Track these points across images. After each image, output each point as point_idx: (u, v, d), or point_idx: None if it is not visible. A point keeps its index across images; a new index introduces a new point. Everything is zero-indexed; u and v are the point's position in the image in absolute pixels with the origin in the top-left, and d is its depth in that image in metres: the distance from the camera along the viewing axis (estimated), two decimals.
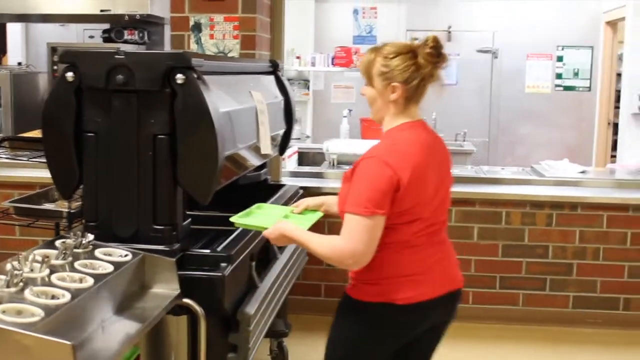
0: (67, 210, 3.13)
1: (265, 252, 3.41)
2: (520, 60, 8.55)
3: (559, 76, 8.56)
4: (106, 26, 7.54)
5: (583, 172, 5.38)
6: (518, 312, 4.97)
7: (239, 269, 2.79)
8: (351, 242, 2.40)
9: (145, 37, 7.72)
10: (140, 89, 2.53)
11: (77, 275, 2.16)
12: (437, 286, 2.62)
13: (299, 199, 4.14)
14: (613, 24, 8.35)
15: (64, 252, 2.28)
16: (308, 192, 4.58)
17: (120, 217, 2.61)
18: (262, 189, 3.97)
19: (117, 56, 2.52)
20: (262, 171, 4.08)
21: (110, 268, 2.29)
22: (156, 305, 2.41)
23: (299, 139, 7.71)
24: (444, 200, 2.64)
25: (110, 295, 2.24)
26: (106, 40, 7.51)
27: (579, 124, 8.65)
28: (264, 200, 3.62)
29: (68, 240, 2.38)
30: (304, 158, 6.42)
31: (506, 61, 8.62)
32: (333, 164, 5.67)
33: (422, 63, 2.48)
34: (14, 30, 8.38)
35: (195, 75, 2.54)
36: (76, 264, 2.25)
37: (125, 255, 2.44)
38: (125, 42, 7.43)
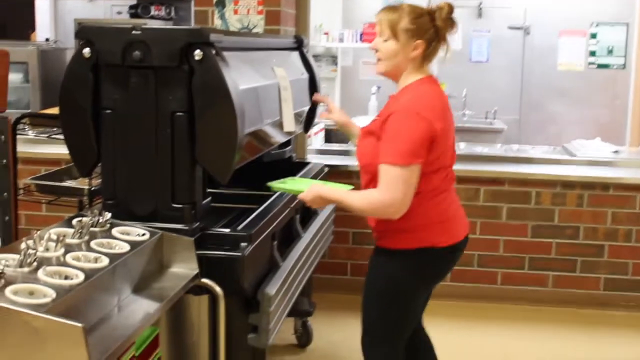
0: (87, 187, 3.10)
1: (289, 230, 3.36)
2: (553, 37, 8.35)
3: (592, 53, 8.36)
4: (133, 2, 7.52)
5: (616, 151, 5.26)
6: (547, 294, 4.88)
7: (260, 248, 2.75)
8: (389, 192, 2.54)
9: (172, 13, 7.69)
10: (158, 66, 2.48)
11: (92, 255, 2.12)
12: (462, 230, 2.85)
13: (324, 177, 4.10)
14: None
15: (80, 230, 2.25)
16: (335, 170, 4.53)
17: (138, 195, 2.58)
18: (286, 166, 3.92)
19: (133, 32, 2.47)
20: (287, 148, 4.02)
21: (126, 247, 2.26)
22: (174, 284, 2.38)
23: None
24: (453, 147, 2.83)
25: (126, 275, 2.20)
26: (133, 16, 7.50)
27: (612, 102, 8.46)
28: (288, 177, 3.58)
29: (85, 219, 2.34)
30: (331, 135, 6.34)
31: (538, 38, 8.43)
32: None
33: (440, 26, 2.69)
34: (42, 7, 8.39)
35: (214, 52, 2.48)
36: (92, 243, 2.22)
37: (143, 235, 2.40)
38: (152, 17, 7.40)
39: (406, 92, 2.71)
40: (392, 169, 2.54)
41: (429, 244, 2.71)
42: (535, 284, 4.87)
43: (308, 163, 4.18)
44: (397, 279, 2.76)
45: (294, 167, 3.97)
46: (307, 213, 3.72)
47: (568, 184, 4.75)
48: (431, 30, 2.68)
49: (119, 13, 8.22)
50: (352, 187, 2.98)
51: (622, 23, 8.29)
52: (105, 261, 2.10)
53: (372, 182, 2.67)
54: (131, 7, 7.53)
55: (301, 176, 3.77)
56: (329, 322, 4.50)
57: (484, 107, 7.71)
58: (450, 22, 2.72)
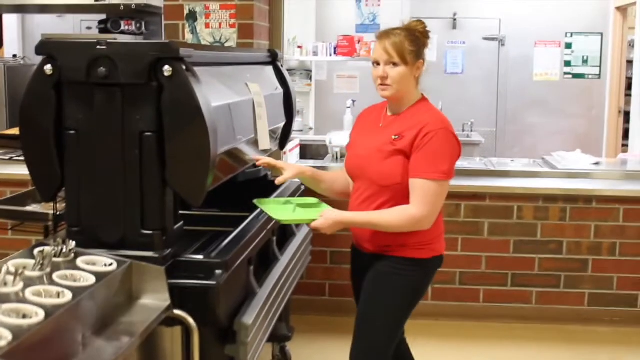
0: (52, 212, 2.94)
1: (266, 254, 3.21)
2: (528, 48, 8.29)
3: (567, 64, 8.31)
4: (103, 17, 7.34)
5: (597, 163, 5.16)
6: (531, 311, 4.77)
7: (236, 275, 2.59)
8: (427, 207, 2.70)
9: (143, 28, 7.51)
10: (125, 83, 2.32)
11: (54, 289, 1.96)
12: None
13: (301, 195, 3.95)
14: (623, 10, 8.11)
15: (41, 262, 2.08)
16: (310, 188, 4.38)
17: (105, 221, 2.41)
18: (261, 185, 3.76)
19: (98, 47, 2.32)
20: (261, 167, 3.86)
21: (92, 279, 2.09)
22: (145, 318, 2.21)
23: (301, 131, 7.48)
24: None
25: (92, 310, 2.04)
26: (102, 31, 7.30)
27: (588, 112, 8.42)
28: (263, 197, 3.43)
29: (47, 249, 2.18)
30: (306, 151, 6.21)
31: (513, 49, 8.38)
32: (336, 157, 5.46)
33: (424, 42, 2.84)
34: (10, 22, 8.18)
35: (184, 67, 2.33)
36: (55, 276, 2.05)
37: (110, 264, 2.24)
38: (122, 32, 7.21)
39: (421, 111, 2.84)
40: (433, 184, 2.69)
41: (438, 252, 2.91)
42: (519, 301, 4.76)
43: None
44: (419, 288, 2.91)
45: (269, 186, 3.82)
46: (283, 234, 3.58)
47: (550, 198, 4.65)
48: (423, 47, 2.84)
49: (89, 28, 8.03)
50: (325, 205, 2.97)
51: (597, 33, 8.26)
52: (68, 296, 1.93)
53: (392, 201, 2.77)
54: (100, 22, 7.34)
55: (277, 196, 3.62)
56: (307, 345, 4.35)
57: (461, 120, 7.62)
58: (428, 36, 2.87)
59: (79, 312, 1.96)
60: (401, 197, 2.76)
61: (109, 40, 2.32)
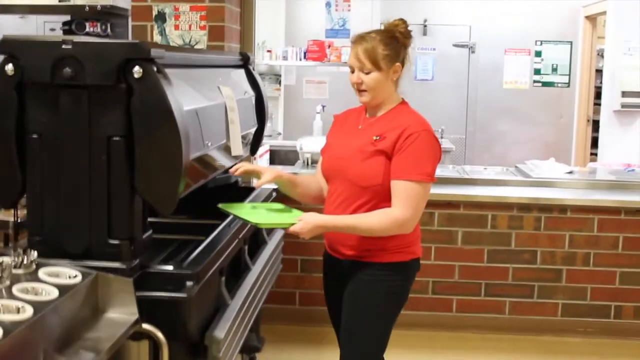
0: (12, 220, 2.79)
1: (237, 263, 3.10)
2: (498, 55, 8.28)
3: (537, 72, 8.31)
4: (67, 18, 7.16)
5: (570, 172, 5.12)
6: (504, 321, 4.71)
7: (207, 286, 2.47)
8: (411, 209, 2.66)
9: (108, 30, 7.35)
10: (92, 84, 2.19)
11: (13, 305, 1.82)
12: None
13: (273, 202, 3.84)
14: (592, 19, 8.12)
15: (0, 274, 1.95)
16: (282, 194, 4.27)
17: (70, 230, 2.28)
18: (232, 192, 3.65)
19: (64, 46, 2.19)
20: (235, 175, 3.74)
21: (55, 293, 1.96)
22: (111, 334, 2.09)
23: (270, 136, 7.37)
24: None
25: (55, 326, 1.91)
26: (66, 32, 7.12)
27: (557, 121, 8.42)
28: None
29: (6, 260, 2.04)
30: (275, 156, 6.10)
31: (483, 56, 8.35)
32: (307, 163, 5.35)
33: (404, 42, 2.78)
34: None
35: (155, 68, 2.21)
36: (15, 289, 1.92)
37: (75, 276, 2.11)
38: (87, 34, 7.04)
39: (402, 113, 2.79)
40: (416, 186, 2.65)
41: (417, 255, 2.87)
42: (492, 311, 4.70)
43: (254, 188, 3.90)
44: (402, 292, 2.87)
45: (240, 192, 3.71)
46: (255, 242, 3.46)
47: (524, 207, 4.59)
48: (402, 49, 2.77)
49: (52, 30, 7.84)
50: (296, 210, 2.87)
51: (566, 41, 8.26)
52: (29, 311, 1.80)
53: (370, 203, 2.72)
54: (64, 23, 7.15)
55: (248, 202, 3.51)
56: (277, 355, 4.24)
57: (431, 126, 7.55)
58: (410, 36, 2.81)
59: (41, 328, 1.83)
60: (380, 199, 2.72)
61: (75, 40, 2.19)
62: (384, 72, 2.73)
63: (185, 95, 2.47)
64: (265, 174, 2.90)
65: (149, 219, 2.50)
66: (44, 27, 8.11)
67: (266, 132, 7.42)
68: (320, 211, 2.80)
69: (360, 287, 2.81)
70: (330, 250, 2.95)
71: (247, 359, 3.84)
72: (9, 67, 2.22)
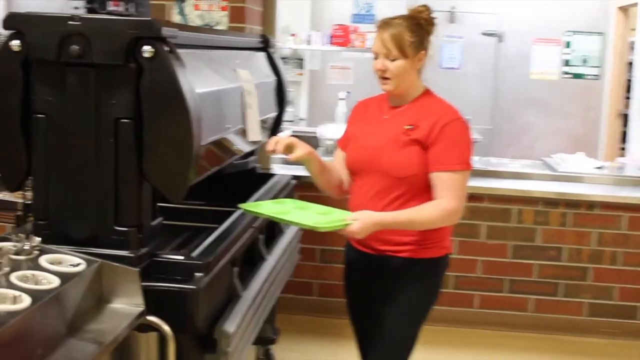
0: (22, 201, 2.70)
1: (252, 253, 2.99)
2: (526, 45, 8.11)
3: (566, 63, 8.13)
4: None
5: (600, 167, 4.97)
6: (527, 319, 4.59)
7: (218, 278, 2.36)
8: (459, 199, 2.62)
9: (132, 9, 7.26)
10: (99, 63, 2.08)
11: (10, 293, 1.73)
12: None
13: (290, 191, 3.74)
14: (625, 10, 7.93)
15: None
16: (303, 181, 4.16)
17: (76, 216, 2.17)
18: (249, 178, 3.55)
19: (71, 22, 2.07)
20: (250, 159, 3.64)
21: (56, 282, 1.86)
22: (115, 325, 1.99)
23: (292, 121, 7.27)
24: None
25: (55, 316, 1.81)
26: (89, 11, 7.05)
27: (586, 113, 8.25)
28: (251, 192, 3.22)
29: (5, 245, 1.94)
30: None
31: (511, 45, 8.19)
32: (328, 150, 5.24)
33: (428, 29, 2.71)
34: None
35: (167, 48, 2.09)
36: (13, 277, 1.82)
37: (78, 264, 2.00)
38: (109, 13, 6.97)
39: (430, 102, 2.72)
40: (459, 175, 2.61)
41: (449, 250, 2.82)
42: (515, 308, 4.58)
43: (273, 175, 3.80)
44: (437, 288, 2.82)
45: (258, 179, 3.60)
46: (272, 232, 3.35)
47: (551, 202, 4.46)
48: (426, 37, 2.69)
49: (76, 8, 7.78)
50: (324, 207, 2.67)
51: (597, 33, 8.07)
52: (26, 301, 1.71)
53: (406, 195, 2.65)
54: (88, 1, 7.11)
55: (267, 190, 3.40)
56: (293, 346, 4.15)
57: None
58: (433, 24, 2.73)
59: (38, 319, 1.73)
60: (415, 190, 2.65)
61: (83, 16, 2.08)
62: (410, 59, 2.64)
63: (198, 77, 2.35)
64: (300, 147, 2.72)
65: (163, 205, 2.39)
66: (67, 6, 8.04)
67: (289, 117, 7.35)
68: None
69: (395, 284, 2.73)
70: (358, 245, 2.83)
71: (262, 351, 3.75)
72: (15, 43, 2.11)
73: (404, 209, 2.62)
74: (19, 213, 2.81)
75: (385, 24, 2.67)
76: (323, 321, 4.41)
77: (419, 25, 2.67)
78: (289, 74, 7.48)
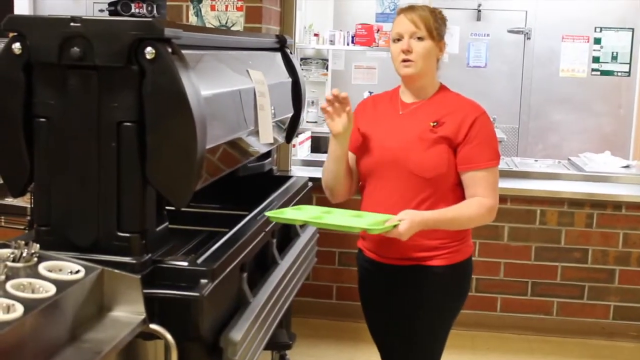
0: (30, 206, 2.68)
1: (263, 257, 2.94)
2: (555, 42, 7.98)
3: (596, 60, 7.99)
4: None
5: (627, 166, 4.85)
6: (551, 323, 4.51)
7: (225, 284, 2.31)
8: (496, 195, 2.60)
9: (155, 11, 7.26)
10: (101, 65, 2.03)
11: (4, 302, 1.68)
12: None
13: (307, 192, 3.68)
14: None
15: None
16: (319, 184, 4.11)
17: (78, 221, 2.13)
18: (265, 181, 3.49)
19: (72, 24, 2.03)
20: (266, 161, 3.58)
21: (52, 290, 1.82)
22: (114, 335, 1.93)
23: (315, 122, 7.21)
24: None
25: (49, 326, 1.76)
26: (112, 13, 7.06)
27: (616, 111, 8.09)
28: (267, 194, 3.17)
29: (4, 252, 1.90)
30: (320, 143, 5.95)
31: (539, 43, 8.06)
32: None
33: (445, 23, 2.68)
34: (21, 5, 7.94)
35: (170, 50, 2.05)
36: (8, 285, 1.78)
37: (77, 272, 1.96)
38: (133, 15, 6.97)
39: (450, 97, 2.68)
40: (493, 171, 2.59)
41: (471, 249, 2.76)
42: (539, 311, 4.50)
43: (290, 177, 3.74)
44: (466, 293, 2.76)
45: (274, 181, 3.55)
46: (286, 235, 3.30)
47: (576, 202, 4.37)
48: (444, 29, 2.67)
49: (101, 11, 7.78)
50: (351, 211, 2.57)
51: (628, 28, 7.93)
52: (19, 310, 1.66)
53: (434, 196, 2.57)
54: (110, 4, 7.10)
55: (282, 192, 3.35)
56: (311, 350, 4.09)
57: None
58: (445, 23, 2.71)
59: (32, 329, 1.69)
60: (443, 190, 2.58)
61: (84, 17, 2.04)
62: (435, 43, 2.61)
63: (205, 79, 2.30)
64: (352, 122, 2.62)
65: (177, 210, 2.34)
66: (93, 9, 8.08)
67: (312, 118, 7.30)
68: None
69: (423, 295, 2.66)
70: (376, 256, 2.74)
71: (277, 356, 3.69)
72: (16, 46, 2.07)
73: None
74: (29, 218, 2.80)
75: (410, 7, 2.65)
76: (341, 325, 4.35)
77: (439, 18, 2.65)
78: (312, 74, 7.43)
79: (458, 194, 2.60)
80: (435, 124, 2.57)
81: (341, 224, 2.44)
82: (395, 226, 2.36)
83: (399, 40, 2.60)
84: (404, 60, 2.59)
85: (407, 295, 2.67)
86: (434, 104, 2.63)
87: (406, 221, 2.37)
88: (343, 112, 2.59)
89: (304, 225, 3.45)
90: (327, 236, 3.93)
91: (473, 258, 2.77)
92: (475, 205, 2.55)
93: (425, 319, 2.68)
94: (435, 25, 2.60)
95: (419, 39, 2.58)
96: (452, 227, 2.57)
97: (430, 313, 2.67)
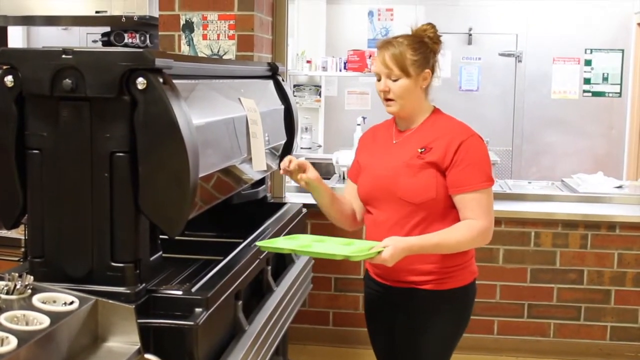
0: (23, 237, 2.68)
1: (259, 284, 2.94)
2: (546, 65, 8.05)
3: (587, 81, 8.04)
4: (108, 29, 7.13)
5: (619, 186, 4.87)
6: (548, 344, 4.48)
7: (220, 312, 2.31)
8: (489, 217, 2.55)
9: (148, 41, 7.29)
10: (93, 96, 2.05)
11: None
12: None
13: (301, 219, 3.69)
14: None
15: None
16: (315, 210, 4.12)
17: (72, 252, 2.14)
18: (259, 208, 3.50)
19: (64, 56, 2.05)
20: (260, 188, 3.60)
21: (46, 322, 1.82)
22: None
23: (309, 148, 7.24)
24: None
25: (43, 358, 1.76)
26: (105, 44, 7.09)
27: (608, 132, 8.13)
28: (261, 222, 3.18)
29: None
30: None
31: (531, 65, 8.11)
32: (343, 177, 5.19)
33: (433, 48, 2.63)
34: (16, 35, 7.98)
35: (161, 80, 2.06)
36: (3, 318, 1.78)
37: (71, 303, 1.96)
38: (126, 45, 6.99)
39: (440, 120, 2.66)
40: (486, 192, 2.55)
41: (475, 274, 2.73)
42: (536, 333, 4.47)
43: (284, 204, 3.75)
44: (468, 318, 2.73)
45: (268, 208, 3.56)
46: (281, 262, 3.30)
47: (570, 224, 4.36)
48: (431, 55, 2.62)
49: (94, 41, 7.83)
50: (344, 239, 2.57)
51: (617, 49, 7.99)
52: (13, 343, 1.66)
53: (427, 220, 2.56)
54: (103, 34, 7.13)
55: (277, 218, 3.36)
56: None
57: None
58: (439, 42, 2.66)
59: None
60: (435, 215, 2.57)
61: (75, 49, 2.06)
62: (413, 79, 2.57)
63: (197, 108, 2.32)
64: (312, 170, 2.66)
65: (172, 239, 2.34)
66: (86, 39, 8.12)
67: (306, 144, 7.32)
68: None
69: (421, 320, 2.66)
70: (378, 278, 2.76)
71: None
72: (9, 79, 2.09)
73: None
74: (23, 249, 2.80)
75: (386, 43, 2.61)
76: (339, 351, 4.32)
77: (423, 44, 2.60)
78: (306, 100, 7.48)
79: (453, 216, 2.59)
80: (422, 150, 2.58)
81: (324, 252, 2.45)
82: (379, 252, 2.37)
83: (379, 79, 2.62)
84: (386, 99, 2.61)
85: (405, 318, 2.68)
86: (424, 130, 2.64)
87: (390, 247, 2.38)
88: (301, 171, 2.64)
89: None
90: (322, 262, 3.90)
91: None
92: (464, 229, 2.52)
93: (424, 345, 2.67)
94: (412, 60, 2.56)
95: (395, 80, 2.58)
96: (441, 251, 2.55)
97: (427, 339, 2.66)
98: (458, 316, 2.70)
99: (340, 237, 2.59)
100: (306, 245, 2.52)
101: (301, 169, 2.63)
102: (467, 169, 2.53)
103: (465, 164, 2.53)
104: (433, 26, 2.65)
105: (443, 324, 2.66)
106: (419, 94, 2.62)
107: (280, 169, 2.67)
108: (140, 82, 2.03)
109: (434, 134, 2.60)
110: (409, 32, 2.65)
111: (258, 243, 2.62)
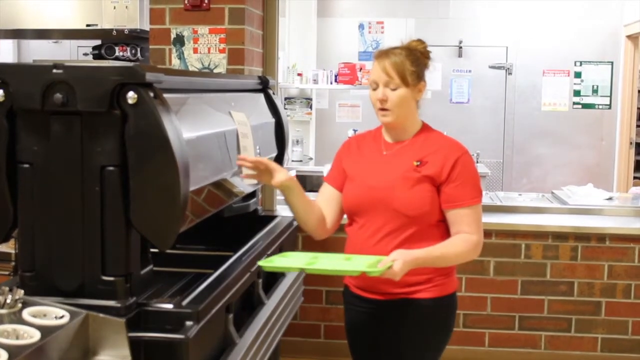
0: (13, 251, 2.68)
1: (250, 297, 2.94)
2: (536, 77, 8.11)
3: (577, 93, 8.10)
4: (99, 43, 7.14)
5: (609, 198, 4.89)
6: (539, 356, 4.47)
7: (211, 325, 2.31)
8: (480, 231, 2.61)
9: (138, 54, 7.30)
10: (84, 111, 2.06)
11: None
12: None
13: (292, 232, 3.70)
14: (634, 38, 7.90)
15: None
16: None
17: (62, 266, 2.14)
18: (250, 221, 3.50)
19: (54, 70, 2.06)
20: (251, 201, 3.60)
21: (37, 336, 1.82)
22: None
23: (300, 161, 7.26)
24: None
25: None
26: (96, 57, 7.10)
27: (598, 143, 8.18)
28: (251, 234, 3.19)
29: None
30: (305, 182, 5.96)
31: (521, 78, 8.17)
32: None
33: (425, 62, 2.66)
34: (5, 48, 7.98)
35: (152, 94, 2.07)
36: None
37: (62, 317, 1.96)
38: (117, 58, 7.00)
39: (433, 136, 2.69)
40: (477, 208, 2.61)
41: (455, 284, 2.76)
42: (527, 345, 4.47)
43: (275, 217, 3.76)
44: (452, 327, 2.76)
45: (259, 221, 3.56)
46: (272, 275, 3.31)
47: (560, 236, 4.37)
48: (425, 68, 2.66)
49: (85, 54, 7.84)
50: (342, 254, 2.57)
51: (607, 62, 8.05)
52: (3, 357, 1.66)
53: (418, 233, 2.58)
54: (94, 47, 7.14)
55: (268, 231, 3.37)
56: None
57: None
58: (429, 57, 2.69)
59: None
60: (425, 228, 2.59)
61: (66, 64, 2.07)
62: (410, 89, 2.59)
63: (188, 122, 2.33)
64: (280, 172, 2.58)
65: (163, 252, 2.35)
66: (77, 52, 8.12)
67: (297, 157, 7.34)
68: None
69: (409, 330, 2.66)
70: (362, 292, 2.73)
71: None
72: None
73: (414, 248, 2.51)
74: (14, 263, 2.80)
75: (385, 52, 2.62)
76: None
77: (417, 57, 2.62)
78: (297, 113, 7.49)
79: (442, 230, 2.61)
80: (418, 163, 2.59)
81: (338, 269, 2.46)
82: (389, 267, 2.37)
83: (376, 87, 2.61)
84: (381, 109, 2.61)
85: (392, 330, 2.67)
86: (417, 144, 2.65)
87: (399, 261, 2.38)
88: (267, 170, 2.58)
89: None
90: (313, 275, 3.91)
91: (459, 293, 2.76)
92: (461, 242, 2.56)
93: (413, 355, 2.67)
94: (411, 70, 2.57)
95: (394, 88, 2.58)
96: (440, 264, 2.58)
97: (416, 349, 2.66)
98: (442, 325, 2.72)
99: (332, 252, 2.59)
100: (311, 262, 2.47)
101: (267, 173, 2.57)
102: (462, 185, 2.57)
103: (461, 180, 2.57)
104: (423, 42, 2.68)
105: (428, 334, 2.67)
106: (413, 106, 2.65)
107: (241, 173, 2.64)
108: (131, 97, 2.04)
109: (429, 148, 2.62)
110: (401, 45, 2.65)
111: (260, 263, 2.57)
